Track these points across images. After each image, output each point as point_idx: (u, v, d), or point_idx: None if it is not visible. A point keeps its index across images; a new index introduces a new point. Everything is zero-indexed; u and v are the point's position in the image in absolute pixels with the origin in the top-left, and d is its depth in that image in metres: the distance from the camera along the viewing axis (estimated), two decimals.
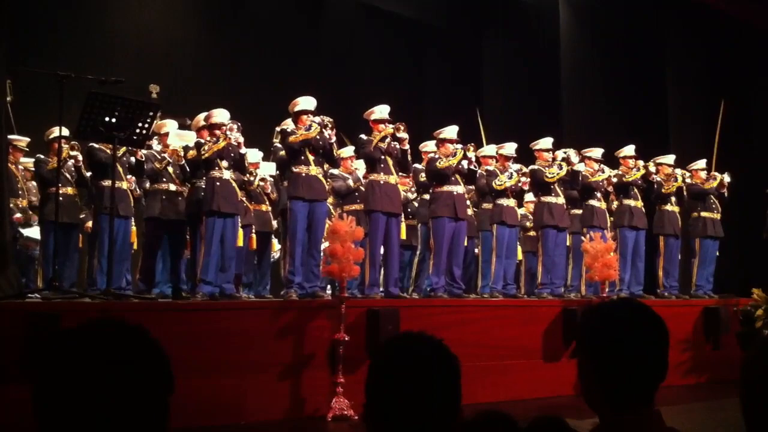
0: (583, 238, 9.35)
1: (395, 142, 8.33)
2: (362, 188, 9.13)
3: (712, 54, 13.48)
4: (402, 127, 8.31)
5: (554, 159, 9.69)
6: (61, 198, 7.79)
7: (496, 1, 14.14)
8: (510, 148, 9.77)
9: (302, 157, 7.88)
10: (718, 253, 10.69)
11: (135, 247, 8.93)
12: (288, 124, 8.16)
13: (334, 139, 7.90)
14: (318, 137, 7.85)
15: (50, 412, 1.25)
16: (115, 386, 1.25)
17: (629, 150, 10.32)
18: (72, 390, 1.24)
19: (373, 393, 1.72)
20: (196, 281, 7.77)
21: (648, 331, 1.84)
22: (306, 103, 8.07)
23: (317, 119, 7.88)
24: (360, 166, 9.40)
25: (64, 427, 1.24)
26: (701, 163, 10.73)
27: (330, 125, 7.83)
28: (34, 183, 9.10)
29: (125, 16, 11.70)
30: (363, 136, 8.41)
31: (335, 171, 9.38)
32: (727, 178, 10.53)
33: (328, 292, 8.55)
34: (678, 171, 10.43)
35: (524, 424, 1.26)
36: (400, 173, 8.69)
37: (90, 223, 8.84)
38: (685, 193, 10.49)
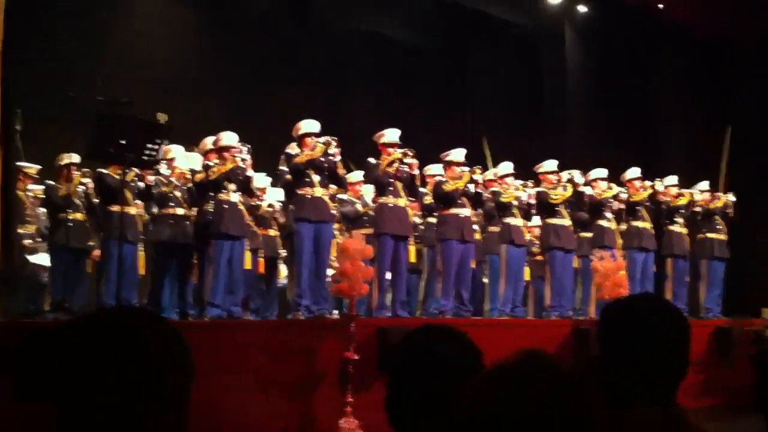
0: (592, 257, 9.32)
1: (404, 166, 8.37)
2: (371, 212, 9.15)
3: (714, 78, 13.60)
4: (411, 153, 8.35)
5: (559, 180, 9.72)
6: (71, 224, 7.83)
7: (501, 24, 14.27)
8: (507, 166, 9.81)
9: (307, 179, 7.91)
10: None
11: (142, 272, 8.92)
12: (293, 148, 8.21)
13: (338, 158, 7.92)
14: (322, 157, 7.89)
15: (71, 401, 1.23)
16: (137, 373, 1.23)
17: (634, 172, 10.36)
18: (93, 378, 1.22)
19: (395, 385, 1.72)
20: (204, 304, 7.76)
21: (669, 324, 1.85)
22: (309, 125, 8.12)
23: (321, 139, 7.92)
24: (368, 191, 9.43)
25: (87, 417, 1.22)
26: (704, 185, 10.75)
27: (335, 143, 7.87)
28: (43, 209, 9.14)
29: (131, 45, 11.84)
30: (371, 160, 8.44)
31: (343, 196, 9.41)
32: (732, 198, 10.54)
33: (336, 314, 8.52)
34: (685, 190, 10.46)
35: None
36: (409, 198, 8.71)
37: (98, 251, 8.86)
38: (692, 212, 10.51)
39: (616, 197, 10.02)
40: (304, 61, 12.94)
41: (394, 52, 13.92)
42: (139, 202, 8.51)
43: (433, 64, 14.31)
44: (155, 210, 8.55)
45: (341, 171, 8.22)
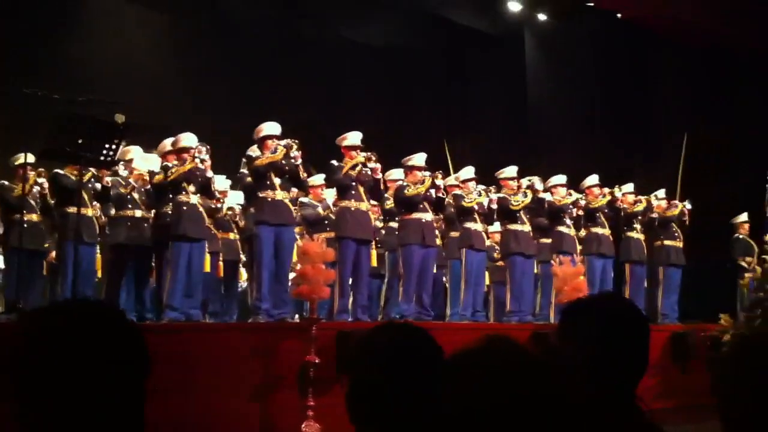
0: (552, 262, 9.40)
1: (366, 169, 8.34)
2: (332, 216, 9.12)
3: (676, 86, 13.84)
4: (373, 157, 8.33)
5: (519, 187, 9.79)
6: (25, 224, 7.67)
7: (463, 35, 14.38)
8: (468, 171, 9.87)
9: (268, 182, 7.85)
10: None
11: (99, 274, 8.77)
12: (254, 150, 8.14)
13: (300, 161, 7.87)
14: (283, 160, 7.83)
15: (27, 397, 1.20)
16: (90, 367, 1.20)
17: (593, 179, 10.49)
18: (46, 371, 1.19)
19: (355, 383, 1.70)
20: (162, 307, 7.65)
21: (628, 321, 1.86)
22: (271, 128, 8.05)
23: (282, 142, 7.86)
24: (330, 194, 9.39)
25: (43, 412, 1.19)
26: (661, 193, 10.92)
27: (296, 146, 7.81)
28: None
29: (92, 41, 11.66)
30: (334, 162, 8.40)
31: (305, 199, 9.36)
32: (688, 206, 10.72)
33: (296, 319, 8.46)
34: (642, 197, 10.61)
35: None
36: (371, 201, 8.69)
37: (54, 253, 8.69)
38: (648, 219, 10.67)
39: (575, 204, 10.12)
40: (269, 61, 12.88)
41: (358, 56, 13.92)
42: (96, 203, 8.37)
43: (396, 70, 14.34)
44: (113, 212, 8.41)
45: (302, 174, 8.16)
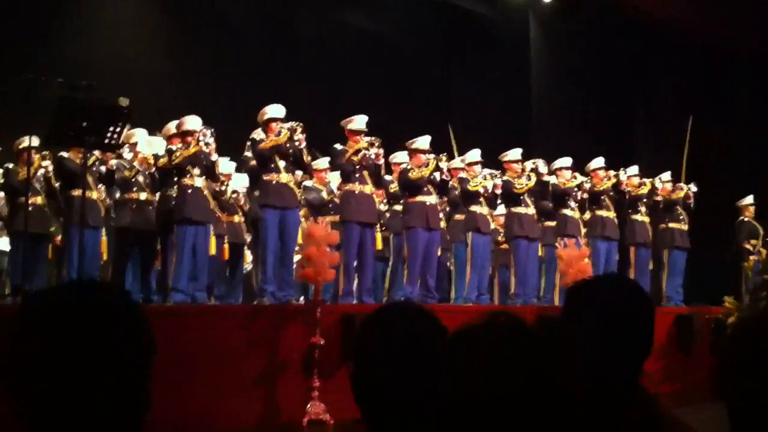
0: (557, 245, 9.40)
1: (370, 153, 8.32)
2: (336, 200, 9.11)
3: (679, 72, 13.78)
4: (377, 143, 8.31)
5: (523, 170, 9.77)
6: (30, 208, 7.67)
7: (468, 19, 14.30)
8: (474, 154, 9.80)
9: (272, 165, 7.84)
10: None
11: (105, 258, 8.79)
12: (258, 134, 8.12)
13: (304, 144, 7.86)
14: (288, 143, 7.82)
15: (28, 378, 1.20)
16: (96, 345, 1.20)
17: (598, 162, 10.45)
18: (51, 351, 1.19)
19: (361, 363, 1.70)
20: (168, 290, 7.68)
21: (634, 301, 1.85)
22: (275, 110, 8.04)
23: (287, 125, 7.85)
24: (334, 178, 9.38)
25: (48, 391, 1.19)
26: (666, 175, 10.89)
27: (300, 129, 7.79)
28: (2, 194, 8.95)
29: (96, 28, 11.63)
30: (337, 146, 8.38)
31: (309, 183, 9.36)
32: (693, 188, 10.69)
33: (302, 301, 8.49)
34: (647, 179, 10.58)
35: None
36: (375, 186, 8.67)
37: (59, 237, 8.71)
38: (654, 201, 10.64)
39: (580, 186, 10.09)
40: (272, 50, 12.84)
41: (361, 41, 13.87)
42: (100, 186, 8.38)
43: (399, 54, 14.28)
44: (117, 195, 8.42)
45: (307, 158, 8.16)
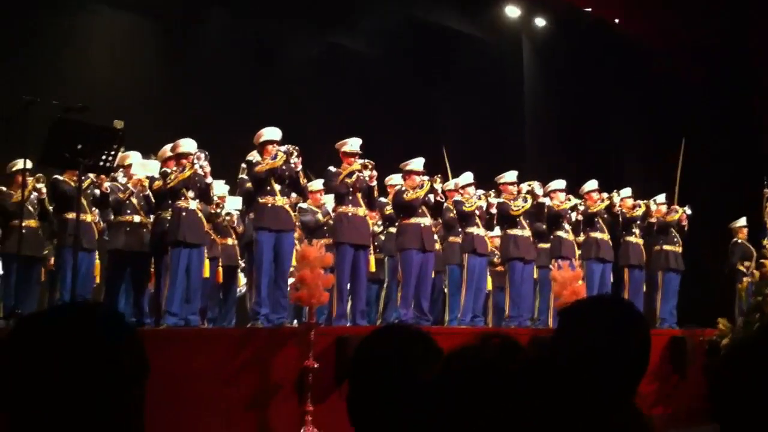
0: (551, 267, 9.41)
1: (363, 176, 8.33)
2: (331, 222, 9.11)
3: (672, 94, 13.87)
4: (370, 166, 8.33)
5: (519, 192, 9.80)
6: (23, 231, 7.65)
7: (462, 41, 14.39)
8: (467, 176, 9.83)
9: (268, 188, 7.85)
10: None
11: (98, 280, 8.76)
12: (254, 156, 8.14)
13: (300, 167, 7.87)
14: (284, 166, 7.83)
15: (22, 400, 1.19)
16: (89, 368, 1.20)
17: (592, 185, 10.50)
18: (44, 373, 1.18)
19: (357, 385, 1.69)
20: (161, 313, 7.64)
21: (628, 322, 1.85)
22: (271, 133, 8.06)
23: (283, 148, 7.87)
24: (329, 200, 9.38)
25: (36, 416, 1.18)
26: (661, 198, 10.93)
27: (296, 153, 7.82)
28: None
29: (91, 50, 11.67)
30: (331, 168, 8.40)
31: (304, 205, 9.36)
32: (688, 211, 10.73)
33: (295, 324, 8.46)
34: (641, 201, 10.62)
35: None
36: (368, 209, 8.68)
37: (52, 260, 8.68)
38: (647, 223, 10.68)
39: (574, 209, 10.12)
40: (266, 73, 12.90)
41: (355, 63, 13.93)
42: (94, 209, 8.37)
43: (394, 76, 14.34)
44: (111, 217, 8.41)
45: (303, 180, 8.17)
